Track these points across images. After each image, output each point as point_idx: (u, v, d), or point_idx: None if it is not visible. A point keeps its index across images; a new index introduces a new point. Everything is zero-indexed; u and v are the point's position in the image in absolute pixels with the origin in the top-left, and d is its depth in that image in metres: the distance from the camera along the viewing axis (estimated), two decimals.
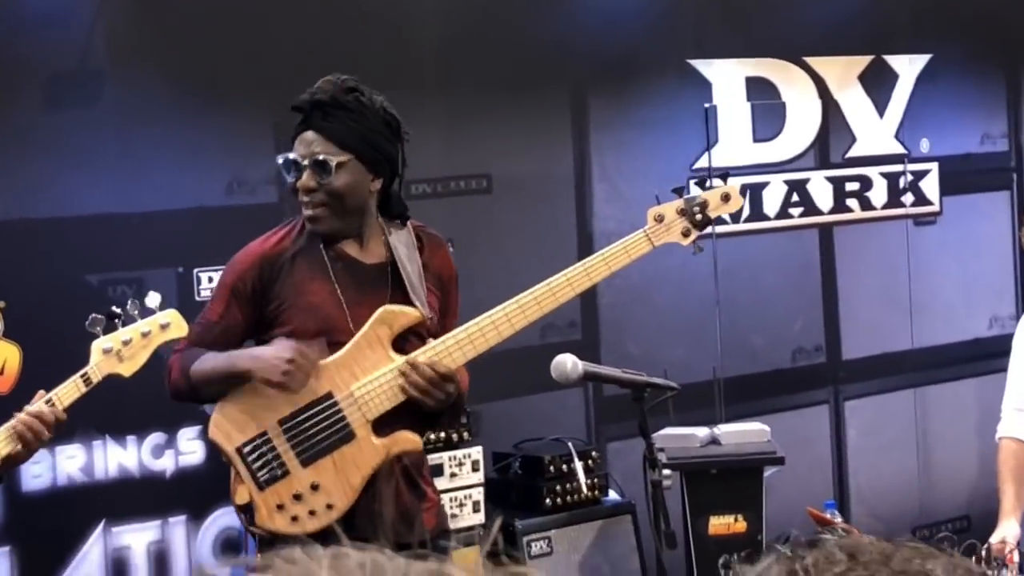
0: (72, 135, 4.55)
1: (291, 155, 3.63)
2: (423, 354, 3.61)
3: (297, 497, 3.61)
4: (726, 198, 3.88)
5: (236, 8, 4.89)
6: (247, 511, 3.67)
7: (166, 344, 3.60)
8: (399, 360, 3.60)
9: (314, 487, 3.61)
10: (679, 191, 3.84)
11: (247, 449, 3.63)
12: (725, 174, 3.98)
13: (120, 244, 4.62)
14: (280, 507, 3.62)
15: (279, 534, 3.62)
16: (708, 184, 3.94)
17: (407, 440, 3.63)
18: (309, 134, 3.61)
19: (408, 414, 3.64)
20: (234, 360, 3.62)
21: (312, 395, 3.62)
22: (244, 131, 4.82)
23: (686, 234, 3.83)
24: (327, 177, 3.59)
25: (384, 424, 3.63)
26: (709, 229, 3.98)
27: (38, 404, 3.37)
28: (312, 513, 3.61)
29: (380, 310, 3.61)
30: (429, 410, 3.64)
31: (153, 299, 3.55)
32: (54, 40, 4.54)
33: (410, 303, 3.65)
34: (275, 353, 3.56)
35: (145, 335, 3.51)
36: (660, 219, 3.81)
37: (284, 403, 3.61)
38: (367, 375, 3.61)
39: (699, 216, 3.82)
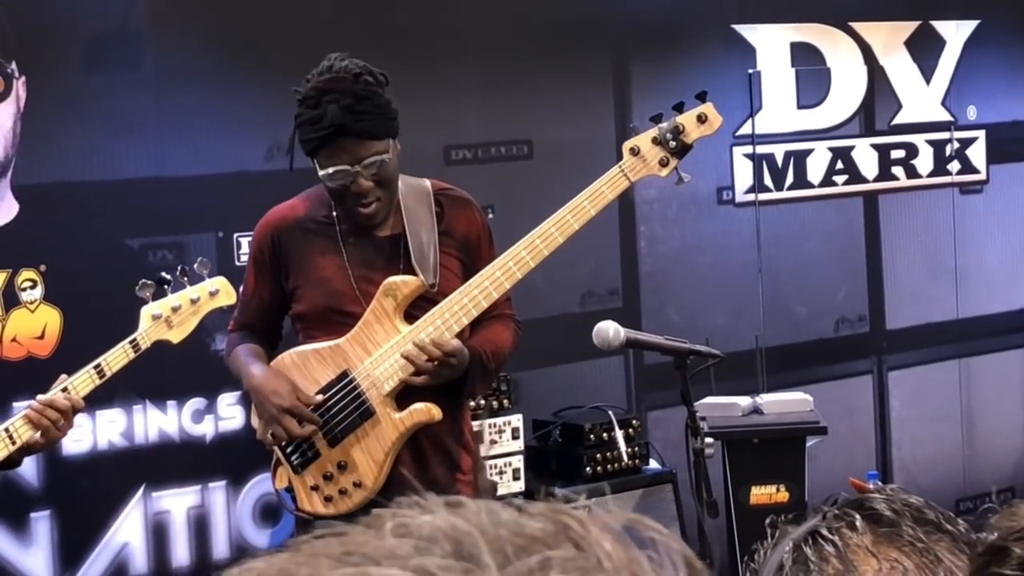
0: (113, 99, 4.53)
1: (340, 167, 3.51)
2: (423, 324, 3.57)
3: (328, 477, 3.62)
4: (702, 119, 3.65)
5: None
6: (291, 495, 3.68)
7: (215, 311, 3.59)
8: (405, 331, 3.57)
9: (341, 466, 3.61)
10: (656, 119, 3.65)
11: None
12: (703, 93, 3.70)
13: (161, 208, 4.61)
14: (315, 488, 3.64)
15: (318, 515, 3.62)
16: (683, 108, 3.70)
17: (421, 412, 3.59)
18: (346, 141, 3.50)
19: (438, 385, 3.61)
20: (245, 377, 3.67)
21: (331, 374, 3.62)
22: (284, 96, 4.74)
23: (664, 164, 3.62)
24: (378, 172, 3.54)
25: (410, 395, 3.61)
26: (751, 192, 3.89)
27: (53, 392, 3.34)
28: (343, 492, 3.61)
29: (385, 282, 3.59)
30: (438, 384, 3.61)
31: (203, 267, 3.55)
32: (95, 3, 4.53)
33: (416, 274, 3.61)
34: (272, 397, 3.58)
35: (194, 302, 3.52)
36: (635, 152, 3.64)
37: (310, 385, 3.62)
38: (378, 349, 3.59)
39: (674, 143, 3.61)
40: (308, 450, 3.64)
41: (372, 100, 3.53)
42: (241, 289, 3.78)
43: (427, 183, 3.73)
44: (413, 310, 3.62)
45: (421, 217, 3.66)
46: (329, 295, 3.62)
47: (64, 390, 3.34)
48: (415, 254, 3.61)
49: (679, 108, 3.69)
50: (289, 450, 3.65)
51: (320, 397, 3.60)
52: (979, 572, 1.26)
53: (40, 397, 3.33)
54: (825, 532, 1.39)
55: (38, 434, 3.31)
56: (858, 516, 1.39)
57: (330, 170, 3.53)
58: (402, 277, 3.60)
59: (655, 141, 3.64)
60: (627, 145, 3.67)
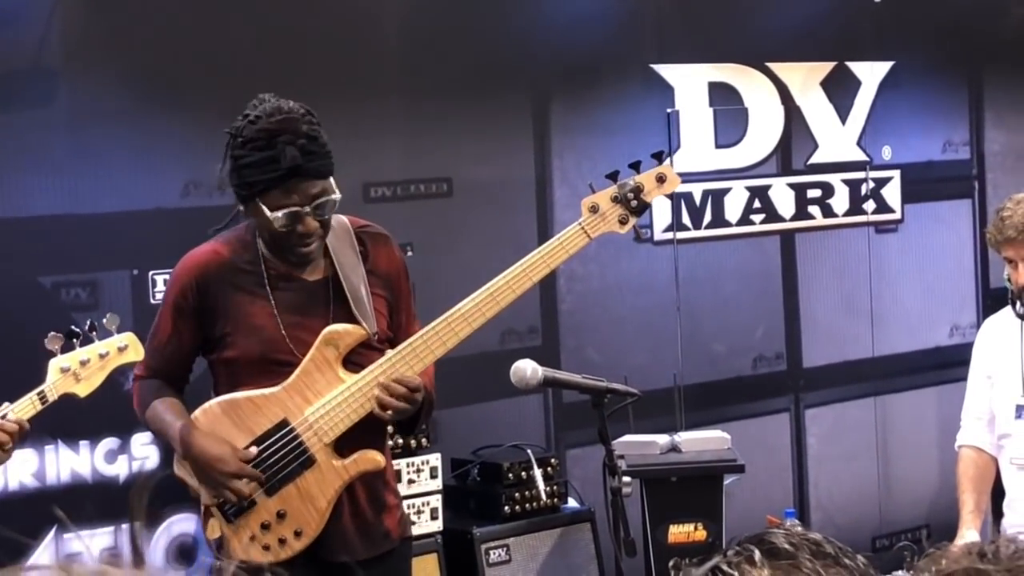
0: (25, 135, 4.48)
1: (292, 209, 3.47)
2: (381, 372, 3.55)
3: (265, 527, 3.59)
4: (661, 179, 3.74)
5: (192, 9, 4.83)
6: (221, 545, 3.64)
7: (123, 366, 3.60)
8: (350, 379, 3.56)
9: (280, 515, 3.58)
10: (613, 176, 3.70)
11: None
12: (659, 153, 3.80)
13: (74, 245, 4.55)
14: (252, 538, 3.60)
15: (252, 565, 3.58)
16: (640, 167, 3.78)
17: (368, 460, 3.60)
18: (300, 182, 3.46)
19: (371, 430, 3.61)
20: (179, 442, 3.61)
21: (268, 423, 3.58)
22: (200, 132, 4.76)
23: (623, 222, 3.70)
24: (323, 214, 3.53)
25: (347, 442, 3.59)
26: (667, 227, 3.92)
27: None
28: (282, 541, 3.58)
29: (324, 331, 3.56)
30: (397, 421, 3.61)
31: (112, 320, 3.55)
32: (7, 39, 4.47)
33: (354, 318, 3.58)
34: (216, 464, 3.54)
35: (103, 356, 3.54)
36: (595, 209, 3.70)
37: (243, 436, 3.57)
38: (319, 398, 3.57)
39: (635, 202, 3.69)
40: (243, 500, 3.59)
41: (319, 140, 3.51)
42: (152, 334, 3.72)
43: (346, 220, 3.71)
44: (352, 356, 3.60)
45: (348, 259, 3.64)
46: (262, 343, 3.58)
47: (2, 417, 3.34)
48: (353, 301, 3.59)
49: (635, 167, 3.75)
50: (222, 500, 3.60)
51: (255, 449, 3.56)
52: None
53: None
54: (725, 568, 1.41)
55: None
56: (757, 551, 1.41)
57: (280, 213, 3.47)
58: (343, 326, 3.57)
59: (615, 200, 3.70)
60: (586, 203, 3.71)
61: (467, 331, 3.61)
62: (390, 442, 4.51)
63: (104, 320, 3.54)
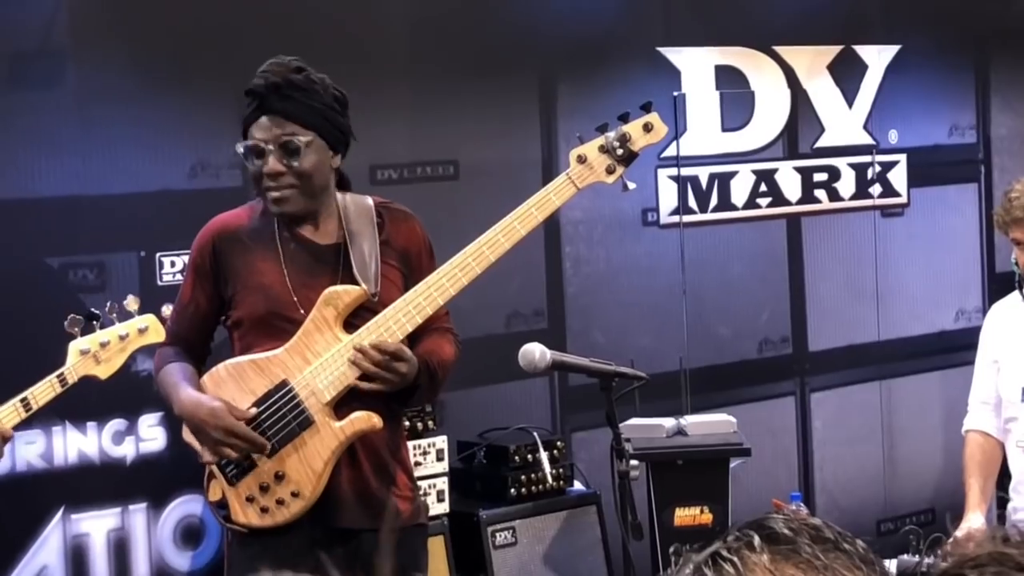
0: (33, 116, 4.47)
1: (250, 141, 3.58)
2: (367, 331, 3.56)
3: (264, 488, 3.59)
4: (648, 128, 3.73)
5: None
6: (223, 507, 3.64)
7: (143, 348, 3.62)
8: (346, 339, 3.57)
9: (278, 476, 3.58)
10: (601, 128, 3.72)
11: None
12: (647, 104, 3.80)
13: (82, 227, 4.56)
14: (250, 499, 3.60)
15: (252, 528, 3.59)
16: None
17: (363, 420, 3.57)
18: (266, 119, 3.56)
19: (374, 395, 3.60)
20: (175, 401, 3.63)
21: (269, 384, 3.59)
22: (208, 114, 4.76)
23: (611, 171, 3.69)
24: (295, 159, 3.56)
25: (350, 406, 3.59)
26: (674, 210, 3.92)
27: (4, 408, 3.36)
28: (280, 502, 3.58)
29: (325, 292, 3.59)
30: (389, 391, 3.60)
31: (132, 302, 3.56)
32: (16, 20, 4.47)
33: (357, 283, 3.60)
34: (210, 419, 3.55)
35: (123, 338, 3.54)
36: (582, 159, 3.70)
37: (246, 397, 3.58)
38: (318, 359, 3.57)
39: (621, 151, 3.69)
40: (243, 461, 3.60)
41: (305, 91, 3.57)
42: (176, 300, 3.78)
43: (369, 199, 3.76)
44: (354, 319, 3.61)
45: (363, 228, 3.67)
46: (268, 300, 3.61)
47: (24, 400, 3.38)
48: (356, 263, 3.61)
49: (624, 118, 3.75)
50: (224, 462, 3.61)
51: (255, 410, 3.57)
52: None
53: None
54: (725, 553, 1.42)
55: None
56: (756, 536, 1.42)
57: (241, 147, 3.59)
58: (343, 287, 3.59)
59: (602, 149, 3.70)
60: (573, 153, 3.72)
61: (460, 284, 3.60)
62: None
63: (125, 302, 3.55)
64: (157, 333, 3.61)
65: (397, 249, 3.70)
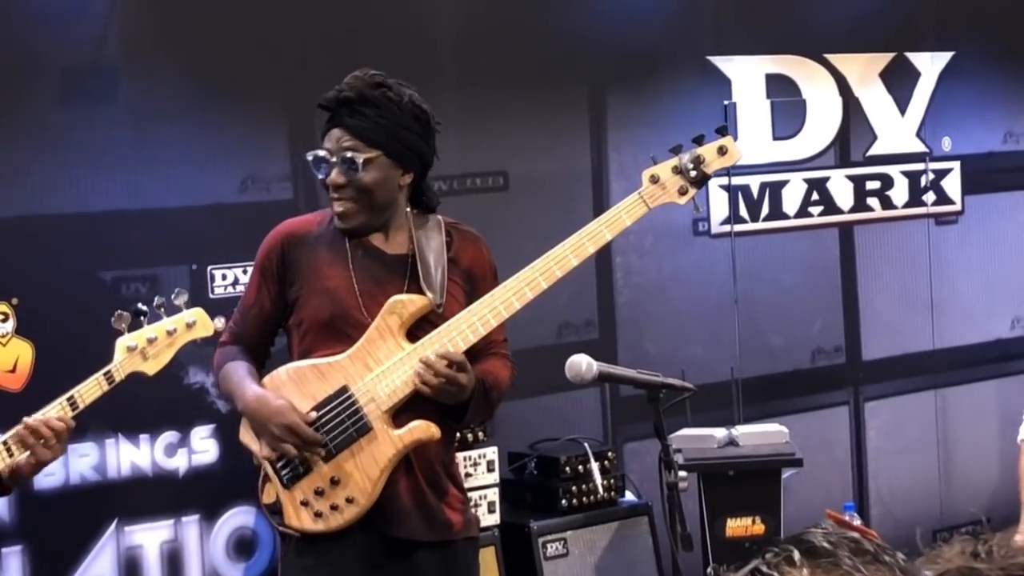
0: (86, 131, 4.52)
1: (320, 152, 3.63)
2: (430, 341, 3.58)
3: (319, 493, 3.59)
4: (722, 151, 3.76)
5: (251, 4, 4.86)
6: (276, 511, 3.66)
7: (191, 343, 3.58)
8: (409, 348, 3.58)
9: (334, 481, 3.59)
10: (675, 150, 3.74)
11: None
12: (723, 128, 3.85)
13: (134, 241, 4.59)
14: (304, 504, 3.61)
15: (306, 532, 3.61)
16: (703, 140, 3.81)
17: (422, 429, 3.59)
18: (336, 131, 3.62)
19: (432, 405, 3.61)
20: (241, 397, 3.64)
21: (330, 389, 3.60)
22: (258, 128, 4.79)
23: (683, 192, 3.73)
24: (355, 174, 3.59)
25: (407, 416, 3.60)
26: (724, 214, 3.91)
27: (44, 411, 3.33)
28: (334, 508, 3.58)
29: (390, 300, 3.61)
30: (446, 402, 3.61)
31: (180, 297, 3.52)
32: (68, 35, 4.52)
33: (422, 293, 3.62)
34: (275, 416, 3.56)
35: (171, 333, 3.49)
36: (655, 180, 3.73)
37: (306, 401, 3.60)
38: (380, 366, 3.59)
39: (695, 173, 3.72)
40: (300, 465, 3.61)
41: (379, 109, 3.61)
42: (240, 302, 3.81)
43: (440, 217, 3.79)
44: (416, 331, 3.62)
45: (431, 242, 3.70)
46: (333, 304, 3.63)
47: (71, 399, 3.33)
48: (423, 273, 3.64)
49: (699, 140, 3.77)
50: (280, 464, 3.63)
51: (314, 414, 3.58)
52: None
53: (34, 416, 3.31)
54: (764, 569, 1.41)
55: (26, 454, 3.29)
56: (796, 551, 1.41)
57: (311, 155, 3.65)
58: (408, 296, 3.62)
59: (675, 170, 3.73)
60: (646, 173, 3.73)
61: (527, 298, 3.63)
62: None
63: (172, 296, 3.51)
64: (205, 327, 3.55)
65: (463, 268, 3.72)
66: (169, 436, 4.61)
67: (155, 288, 4.54)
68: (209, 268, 4.67)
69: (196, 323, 3.53)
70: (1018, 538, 4.38)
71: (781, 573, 1.40)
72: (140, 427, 4.54)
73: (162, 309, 3.50)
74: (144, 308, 3.49)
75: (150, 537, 4.58)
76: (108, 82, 4.59)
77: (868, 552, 1.41)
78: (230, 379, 3.70)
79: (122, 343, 3.44)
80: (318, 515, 3.60)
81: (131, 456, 4.55)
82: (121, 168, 4.58)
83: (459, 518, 3.72)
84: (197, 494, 4.65)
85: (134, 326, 3.46)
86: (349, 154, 3.58)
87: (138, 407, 4.40)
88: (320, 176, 3.65)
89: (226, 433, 4.55)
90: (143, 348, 3.45)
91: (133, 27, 4.64)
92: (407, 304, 3.61)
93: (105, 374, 3.40)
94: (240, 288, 4.54)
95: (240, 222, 4.67)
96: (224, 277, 4.67)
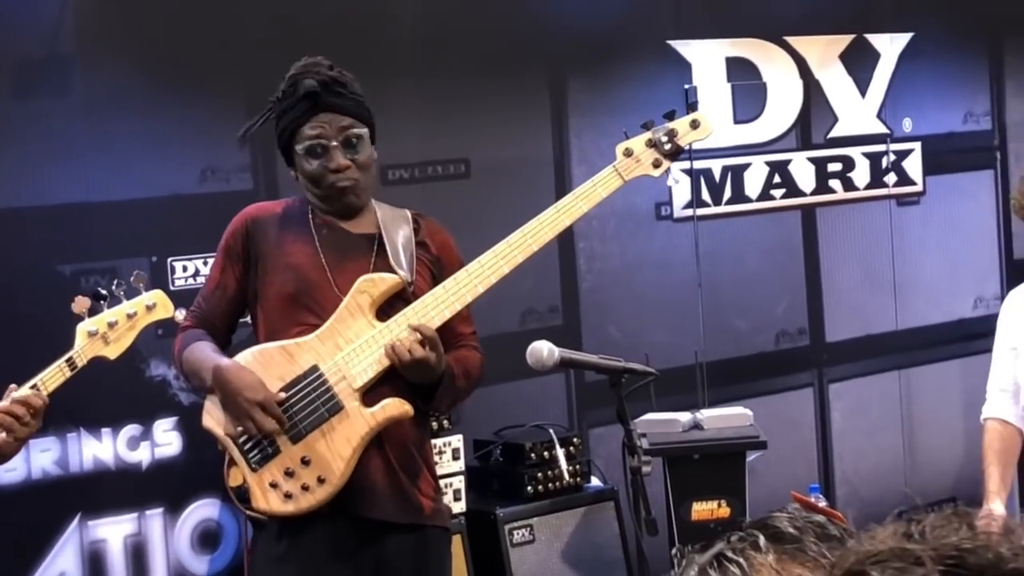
0: (42, 124, 4.48)
1: (311, 141, 3.62)
2: (404, 317, 3.57)
3: (289, 473, 3.57)
4: (695, 124, 3.82)
5: None
6: (242, 495, 3.63)
7: (152, 325, 3.57)
8: (380, 326, 3.57)
9: (305, 461, 3.56)
10: (647, 125, 3.79)
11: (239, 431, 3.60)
12: (694, 103, 3.95)
13: (92, 233, 4.56)
14: (273, 485, 3.57)
15: (274, 515, 3.58)
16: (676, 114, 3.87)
17: (395, 406, 3.57)
18: (326, 115, 3.62)
19: (402, 385, 3.60)
20: (211, 371, 3.60)
21: (299, 370, 3.59)
22: (217, 118, 4.76)
23: (657, 165, 3.78)
24: (355, 152, 3.64)
25: (377, 396, 3.59)
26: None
27: (21, 390, 3.30)
28: (305, 488, 3.55)
29: (360, 279, 3.60)
30: (419, 381, 3.59)
31: (139, 279, 3.52)
32: (22, 28, 4.47)
33: (392, 272, 3.61)
34: (244, 391, 3.54)
35: (131, 316, 3.49)
36: (629, 153, 3.77)
37: (274, 382, 3.58)
38: (350, 345, 3.57)
39: (669, 146, 3.77)
40: (268, 446, 3.58)
41: (344, 83, 3.66)
42: (204, 285, 3.82)
43: (406, 210, 3.81)
44: (388, 310, 3.62)
45: (398, 224, 3.73)
46: (298, 279, 3.63)
47: (34, 387, 3.31)
48: (391, 252, 3.65)
49: (670, 116, 3.83)
50: (248, 447, 3.60)
51: (283, 395, 3.56)
52: None
53: (13, 395, 3.28)
54: (729, 554, 1.40)
55: (2, 434, 3.27)
56: (761, 536, 1.40)
57: (307, 143, 3.61)
58: (379, 274, 3.62)
59: (649, 143, 3.78)
60: (620, 147, 3.78)
61: (502, 272, 3.65)
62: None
63: (131, 279, 3.50)
64: (165, 309, 3.55)
65: (433, 253, 3.75)
66: (131, 429, 4.58)
67: (115, 281, 4.50)
68: (169, 260, 4.64)
69: (156, 305, 3.53)
70: (983, 515, 4.39)
71: (747, 559, 1.39)
72: (102, 420, 4.51)
73: (122, 292, 3.49)
74: (104, 292, 3.48)
75: (114, 531, 4.55)
76: (64, 75, 4.55)
77: (834, 537, 1.41)
78: (196, 356, 3.66)
79: (83, 328, 3.43)
80: (288, 496, 3.56)
81: (93, 450, 4.52)
82: (78, 160, 4.54)
83: (429, 504, 3.71)
84: (161, 487, 4.63)
85: (94, 310, 3.45)
86: (347, 133, 3.62)
87: (100, 400, 4.37)
88: (312, 167, 3.62)
89: (189, 425, 4.52)
90: (104, 332, 3.44)
91: (88, 19, 4.60)
92: (377, 283, 3.61)
93: (67, 360, 3.39)
94: (201, 279, 4.51)
95: (200, 213, 4.64)
96: (184, 269, 4.64)
